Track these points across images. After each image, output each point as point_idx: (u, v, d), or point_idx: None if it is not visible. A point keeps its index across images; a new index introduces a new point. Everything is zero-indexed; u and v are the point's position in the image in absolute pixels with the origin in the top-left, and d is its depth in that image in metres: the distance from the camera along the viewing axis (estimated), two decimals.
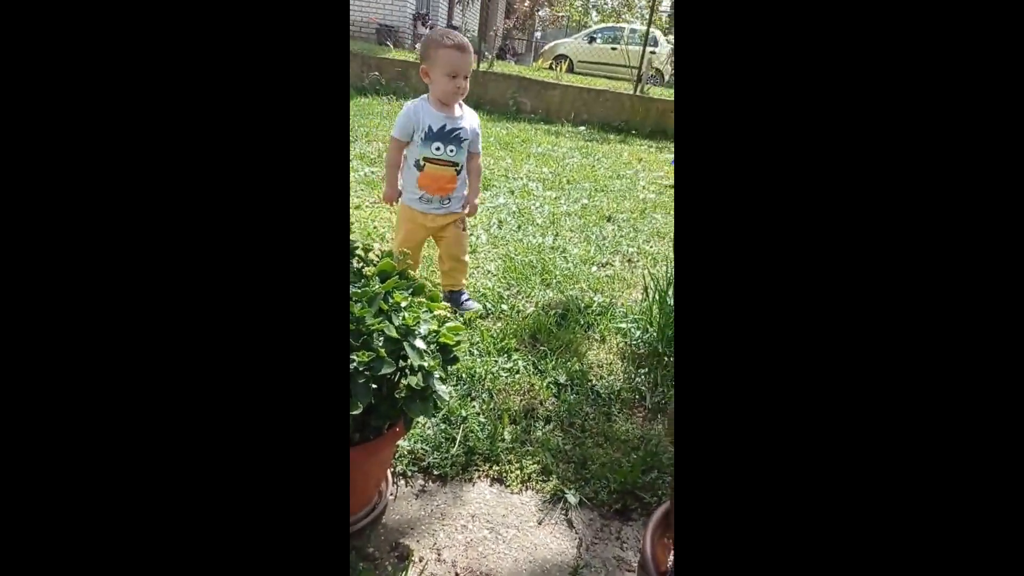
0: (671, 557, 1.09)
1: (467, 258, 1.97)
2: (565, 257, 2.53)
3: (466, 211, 1.86)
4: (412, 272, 1.71)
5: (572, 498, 1.21)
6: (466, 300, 1.93)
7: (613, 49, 10.71)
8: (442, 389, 1.00)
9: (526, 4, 10.73)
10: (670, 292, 1.86)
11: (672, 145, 6.29)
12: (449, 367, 1.10)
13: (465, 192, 1.86)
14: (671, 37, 11.55)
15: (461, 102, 1.78)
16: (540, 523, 1.16)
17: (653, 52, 9.07)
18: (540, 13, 13.66)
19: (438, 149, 1.74)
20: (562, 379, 1.59)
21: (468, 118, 1.80)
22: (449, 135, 1.74)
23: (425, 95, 1.76)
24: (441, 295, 1.75)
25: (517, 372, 1.61)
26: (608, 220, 3.20)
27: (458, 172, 1.79)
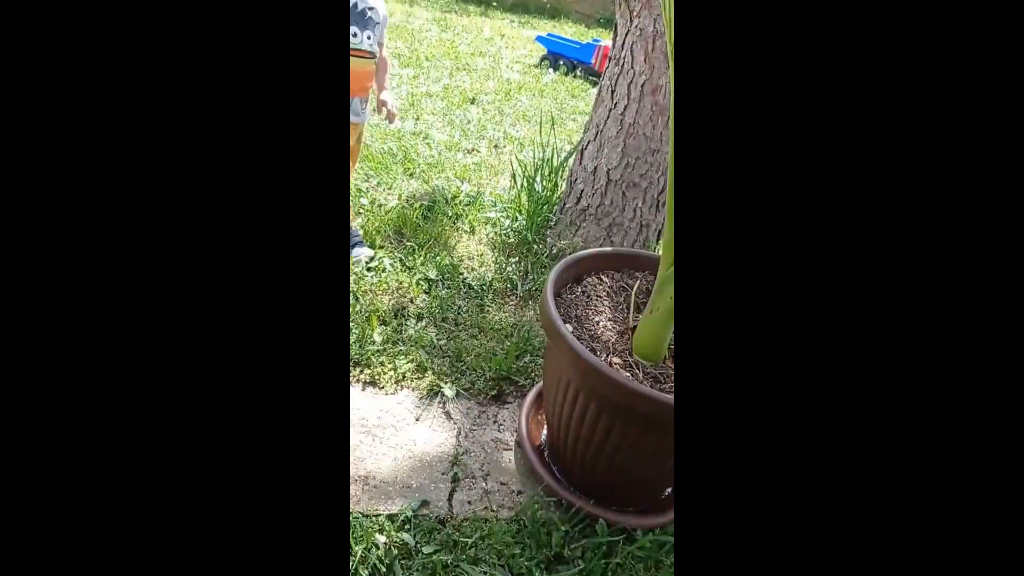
0: (544, 433, 1.16)
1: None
2: (428, 144, 2.35)
3: (385, 116, 1.48)
4: None
5: (448, 391, 1.21)
6: (357, 243, 1.56)
7: None
8: None
9: None
10: (538, 178, 1.83)
11: (534, 20, 5.98)
12: None
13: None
14: None
15: None
16: (418, 419, 1.15)
17: None
18: None
19: (354, 36, 1.32)
20: (432, 274, 1.53)
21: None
22: (363, 17, 1.33)
23: None
24: None
25: (384, 271, 1.51)
26: (472, 102, 3.01)
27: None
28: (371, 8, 1.36)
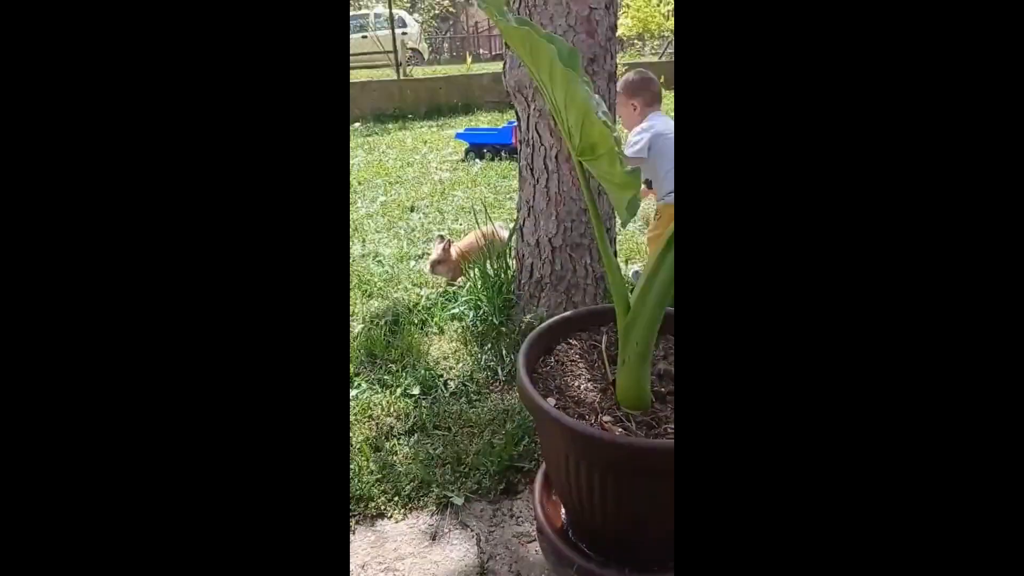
0: (563, 513, 1.13)
1: None
2: (379, 261, 2.42)
3: None
4: None
5: (457, 500, 1.18)
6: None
7: (363, 37, 10.38)
8: None
9: None
10: (487, 264, 1.90)
11: (450, 121, 6.39)
12: None
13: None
14: (416, 16, 11.57)
15: (645, 119, 1.97)
16: (434, 539, 1.11)
17: (404, 33, 9.01)
18: None
19: None
20: (412, 386, 1.53)
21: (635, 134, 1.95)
22: None
23: None
24: None
25: (362, 397, 1.51)
26: (412, 210, 3.15)
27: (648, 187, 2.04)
28: None
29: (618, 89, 1.85)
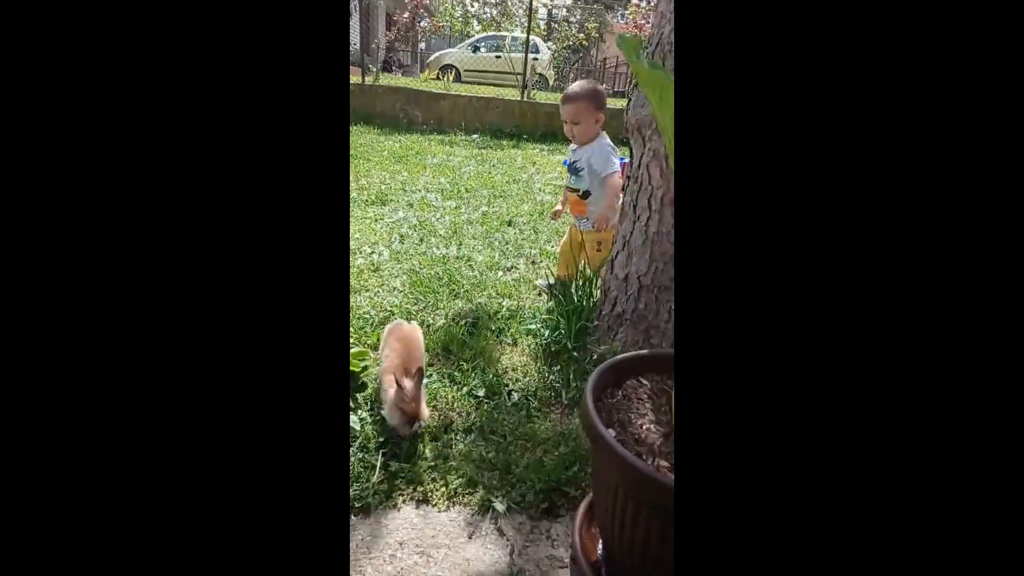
0: (600, 547, 1.12)
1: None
2: (471, 265, 2.53)
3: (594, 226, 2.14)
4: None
5: (499, 506, 1.21)
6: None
7: (497, 57, 10.93)
8: (352, 419, 0.96)
9: (406, 16, 10.64)
10: (573, 289, 1.93)
11: (562, 147, 6.53)
12: (358, 395, 1.06)
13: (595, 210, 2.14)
14: (550, 44, 12.01)
15: (598, 137, 2.14)
16: (471, 537, 1.14)
17: (535, 58, 9.37)
18: (422, 24, 13.62)
19: (570, 179, 2.24)
20: (478, 388, 1.59)
21: (587, 152, 2.15)
22: (572, 167, 2.19)
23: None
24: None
25: (432, 387, 1.58)
26: (509, 224, 3.26)
27: (582, 196, 2.16)
28: (575, 161, 2.20)
29: (584, 100, 2.07)
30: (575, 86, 2.15)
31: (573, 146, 2.20)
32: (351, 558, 1.07)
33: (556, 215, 2.36)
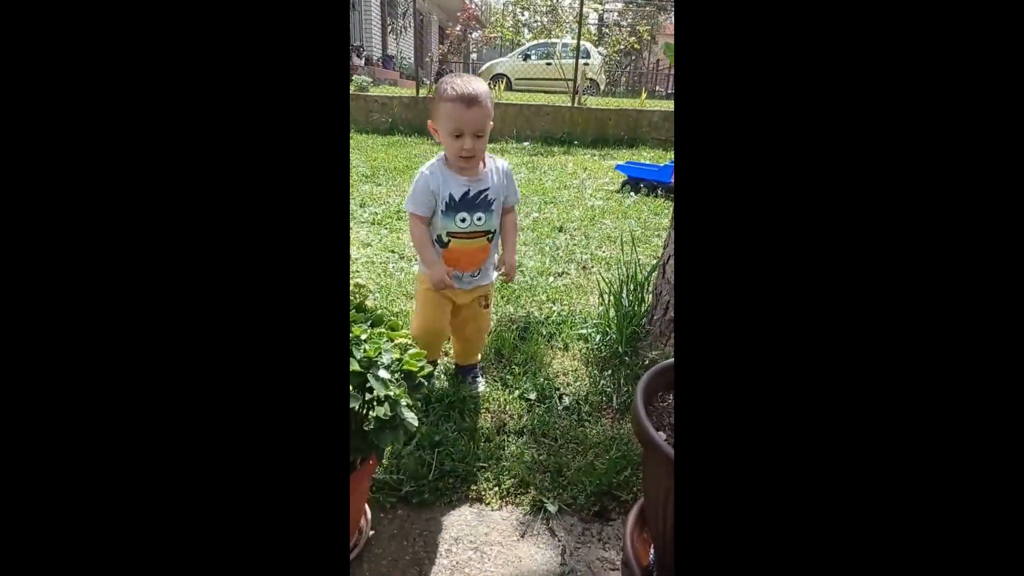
0: (651, 552, 1.12)
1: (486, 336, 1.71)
2: (522, 271, 2.57)
3: (503, 277, 1.53)
4: (439, 355, 1.57)
5: (551, 507, 1.23)
6: (476, 378, 1.66)
7: (548, 64, 11.00)
8: (410, 416, 1.01)
9: (458, 28, 10.92)
10: (624, 294, 1.93)
11: (613, 152, 6.49)
12: (416, 393, 1.11)
13: (496, 258, 1.53)
14: (601, 48, 11.97)
15: (488, 156, 1.45)
16: (523, 536, 1.17)
17: (586, 63, 9.37)
18: (473, 35, 13.92)
19: (464, 221, 1.42)
20: (530, 391, 1.62)
21: (494, 173, 1.45)
22: (474, 201, 1.42)
23: (441, 155, 1.44)
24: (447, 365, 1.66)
25: (485, 390, 1.62)
26: (560, 230, 3.28)
27: (491, 239, 1.47)
28: (484, 191, 1.42)
29: (489, 104, 1.35)
30: (472, 84, 1.34)
31: (462, 177, 1.41)
32: (410, 548, 1.13)
33: (445, 284, 1.43)
